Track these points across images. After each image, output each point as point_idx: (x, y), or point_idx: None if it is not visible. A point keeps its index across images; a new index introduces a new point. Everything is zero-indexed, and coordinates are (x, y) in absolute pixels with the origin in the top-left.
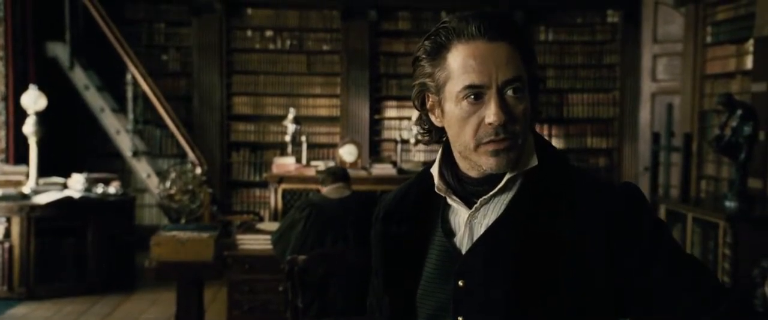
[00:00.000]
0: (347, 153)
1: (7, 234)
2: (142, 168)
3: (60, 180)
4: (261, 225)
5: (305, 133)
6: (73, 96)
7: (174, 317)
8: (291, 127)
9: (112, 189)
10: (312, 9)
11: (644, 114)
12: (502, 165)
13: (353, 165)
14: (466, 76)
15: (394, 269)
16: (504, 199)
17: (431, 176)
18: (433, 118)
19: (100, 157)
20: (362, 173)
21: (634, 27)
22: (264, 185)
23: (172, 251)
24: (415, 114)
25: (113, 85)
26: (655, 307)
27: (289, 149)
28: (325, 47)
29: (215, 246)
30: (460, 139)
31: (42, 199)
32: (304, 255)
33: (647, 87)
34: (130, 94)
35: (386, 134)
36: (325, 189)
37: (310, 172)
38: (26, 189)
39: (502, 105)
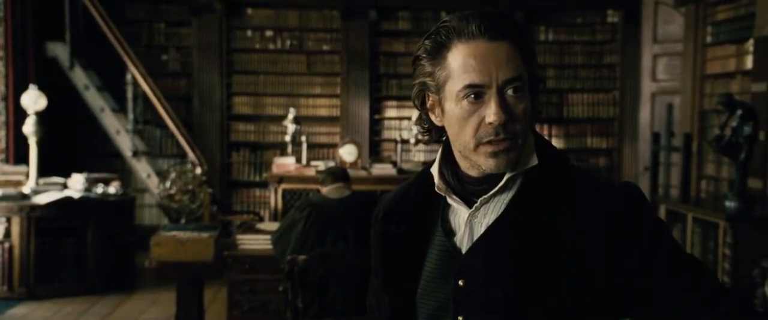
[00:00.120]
0: (347, 153)
1: (7, 234)
2: (142, 168)
3: (60, 180)
4: (261, 225)
5: (305, 133)
6: (73, 96)
7: (174, 317)
8: (291, 127)
9: (112, 189)
10: (312, 9)
11: (644, 114)
12: (502, 164)
13: (353, 165)
14: (466, 75)
15: (394, 269)
16: (504, 199)
17: (431, 176)
18: (433, 118)
19: (100, 157)
20: (362, 173)
21: (634, 27)
22: (264, 185)
23: (172, 251)
24: (415, 114)
25: (113, 85)
26: (655, 307)
27: (289, 149)
28: (325, 47)
29: (215, 246)
30: (460, 138)
31: (42, 199)
32: (304, 255)
33: (647, 87)
34: (130, 94)
35: (386, 134)
36: (325, 189)
37: (310, 172)
38: (26, 189)
39: (503, 104)
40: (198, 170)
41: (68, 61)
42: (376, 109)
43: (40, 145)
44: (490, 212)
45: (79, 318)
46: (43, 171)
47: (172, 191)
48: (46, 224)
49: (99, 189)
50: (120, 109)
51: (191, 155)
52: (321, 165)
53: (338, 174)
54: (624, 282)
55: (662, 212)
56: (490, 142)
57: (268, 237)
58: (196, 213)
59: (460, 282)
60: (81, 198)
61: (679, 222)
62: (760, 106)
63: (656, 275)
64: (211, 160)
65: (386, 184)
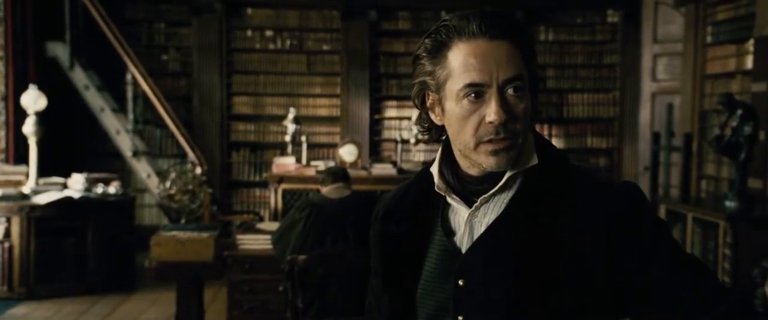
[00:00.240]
0: (347, 153)
1: (7, 234)
2: (142, 168)
3: (60, 180)
4: (261, 225)
5: (305, 133)
6: (73, 96)
7: (174, 317)
8: (291, 127)
9: (112, 189)
10: (312, 9)
11: (644, 114)
12: (502, 163)
13: (353, 165)
14: (466, 74)
15: (394, 269)
16: (504, 198)
17: (431, 175)
18: (433, 117)
19: (100, 157)
20: (362, 173)
21: (634, 27)
22: (264, 185)
23: (172, 251)
24: (415, 113)
25: (113, 85)
26: (655, 307)
27: (289, 149)
28: (325, 47)
29: (215, 246)
30: (461, 137)
31: (42, 199)
32: (304, 255)
33: (647, 87)
34: (130, 94)
35: (386, 134)
36: (325, 189)
37: (310, 172)
38: (26, 189)
39: (503, 103)
40: (198, 170)
41: (68, 61)
42: (376, 109)
43: (40, 145)
44: (490, 211)
45: (79, 318)
46: (43, 171)
47: (172, 191)
48: (46, 224)
49: (99, 189)
50: (120, 109)
51: (191, 155)
52: (321, 165)
53: (338, 174)
54: (624, 282)
55: (662, 212)
56: (490, 141)
57: (268, 237)
58: (196, 213)
59: (460, 282)
60: (81, 198)
61: (679, 222)
62: (760, 106)
63: (656, 275)
64: (211, 160)
65: (386, 184)
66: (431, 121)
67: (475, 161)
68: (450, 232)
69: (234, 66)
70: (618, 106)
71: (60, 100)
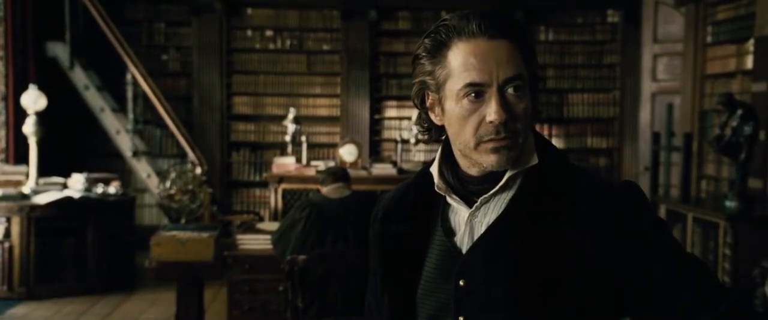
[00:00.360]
0: (347, 153)
1: (7, 234)
2: (142, 168)
3: (60, 180)
4: (261, 225)
5: (305, 133)
6: (73, 96)
7: (174, 317)
8: (291, 127)
9: (112, 189)
10: (312, 9)
11: (644, 114)
12: (502, 162)
13: (353, 165)
14: (466, 73)
15: (393, 269)
16: (504, 198)
17: (431, 175)
18: (432, 117)
19: (100, 157)
20: (362, 173)
21: (634, 27)
22: (264, 185)
23: (172, 251)
24: (415, 113)
25: (113, 85)
26: (655, 307)
27: (289, 149)
28: (325, 47)
29: (215, 246)
30: (461, 137)
31: (42, 199)
32: (304, 255)
33: (647, 87)
34: (130, 94)
35: (386, 134)
36: (325, 189)
37: (310, 172)
38: (26, 189)
39: (503, 103)
40: (198, 170)
41: (68, 61)
42: (376, 108)
43: (40, 145)
44: (490, 211)
45: (79, 318)
46: (43, 171)
47: (172, 191)
48: (46, 224)
49: (99, 189)
50: (120, 109)
51: (191, 155)
52: (321, 165)
53: (338, 174)
54: (624, 282)
55: (662, 212)
56: (491, 140)
57: (268, 237)
58: (196, 213)
59: (461, 282)
60: (81, 198)
61: (680, 222)
62: (760, 106)
63: (656, 275)
64: (211, 160)
65: (386, 184)
66: (431, 121)
67: (475, 161)
68: (450, 232)
69: (234, 66)
70: (618, 106)
71: (60, 100)
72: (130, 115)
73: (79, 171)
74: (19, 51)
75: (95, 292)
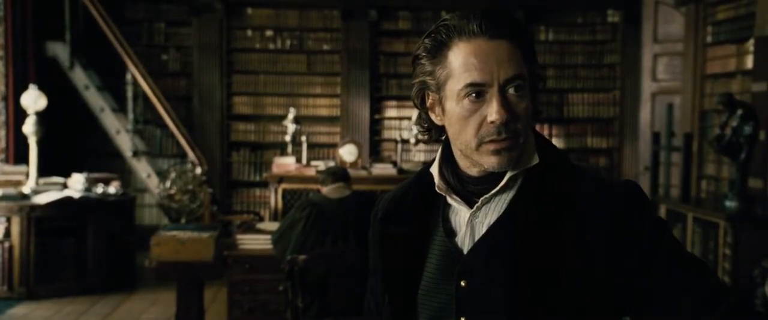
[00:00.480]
0: (347, 153)
1: (7, 234)
2: (142, 168)
3: (60, 180)
4: (261, 225)
5: (305, 133)
6: (73, 96)
7: (174, 317)
8: (291, 127)
9: (112, 189)
10: (312, 9)
11: (644, 114)
12: (503, 163)
13: (353, 165)
14: (467, 74)
15: (394, 269)
16: (505, 198)
17: (431, 175)
18: (433, 117)
19: (100, 157)
20: (362, 173)
21: (634, 27)
22: (264, 185)
23: (172, 251)
24: (415, 113)
25: (113, 85)
26: (655, 307)
27: (289, 149)
28: (325, 47)
29: (215, 246)
30: (461, 137)
31: (42, 199)
32: (304, 255)
33: (647, 87)
34: (130, 94)
35: (386, 134)
36: (326, 189)
37: (310, 172)
38: (26, 189)
39: (504, 103)
40: (198, 170)
41: (68, 61)
42: (376, 108)
43: (40, 145)
44: (491, 212)
45: (79, 318)
46: (43, 171)
47: (172, 191)
48: (46, 224)
49: (99, 189)
50: (120, 109)
51: (191, 155)
52: (321, 165)
53: (338, 174)
54: (624, 282)
55: (662, 212)
56: (492, 141)
57: (268, 237)
58: (196, 213)
59: (462, 283)
60: (81, 198)
61: (680, 222)
62: (760, 106)
63: (656, 274)
64: (211, 160)
65: (386, 184)
66: (431, 121)
67: (476, 161)
68: (451, 233)
69: (234, 66)
70: (618, 105)
71: (60, 100)
72: (130, 115)
73: (79, 171)
74: (19, 51)
75: (95, 292)
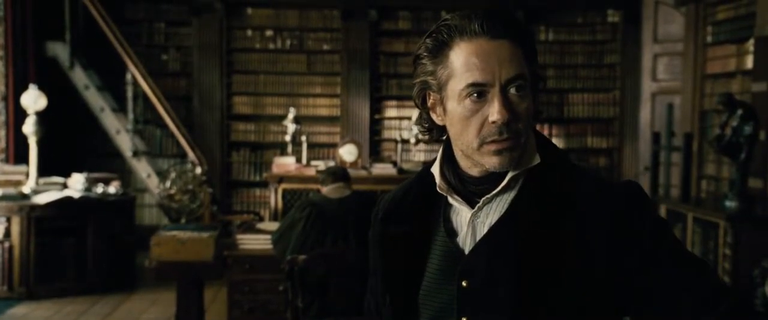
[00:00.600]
0: (347, 153)
1: (7, 234)
2: (142, 168)
3: (60, 180)
4: (261, 225)
5: (305, 133)
6: (73, 96)
7: (174, 317)
8: (291, 127)
9: (112, 189)
10: (312, 9)
11: (644, 114)
12: (505, 163)
13: (353, 165)
14: (469, 74)
15: (395, 270)
16: (506, 198)
17: (432, 175)
18: (434, 117)
19: (100, 157)
20: (362, 173)
21: (634, 27)
22: (264, 185)
23: (172, 251)
24: (415, 113)
25: (113, 85)
26: (655, 307)
27: (289, 149)
28: (325, 47)
29: (215, 246)
30: (463, 137)
31: (42, 199)
32: (304, 255)
33: (647, 87)
34: (130, 94)
35: (386, 134)
36: (326, 189)
37: (310, 172)
38: (26, 189)
39: (506, 103)
40: (198, 170)
41: (68, 61)
42: (376, 108)
43: (40, 145)
44: (492, 212)
45: (79, 318)
46: (43, 171)
47: (172, 191)
48: (46, 224)
49: (99, 189)
50: (120, 108)
51: (191, 155)
52: (321, 165)
53: (338, 174)
54: (624, 282)
55: (663, 212)
56: (494, 141)
57: (268, 237)
58: (196, 213)
59: (464, 283)
60: (81, 198)
61: (680, 222)
62: (760, 106)
63: (656, 275)
64: (211, 160)
65: (386, 184)
66: (432, 121)
67: (477, 161)
68: (452, 233)
69: (234, 66)
70: (618, 105)
71: (60, 100)
72: (130, 115)
73: (79, 171)
74: (19, 51)
75: (95, 292)
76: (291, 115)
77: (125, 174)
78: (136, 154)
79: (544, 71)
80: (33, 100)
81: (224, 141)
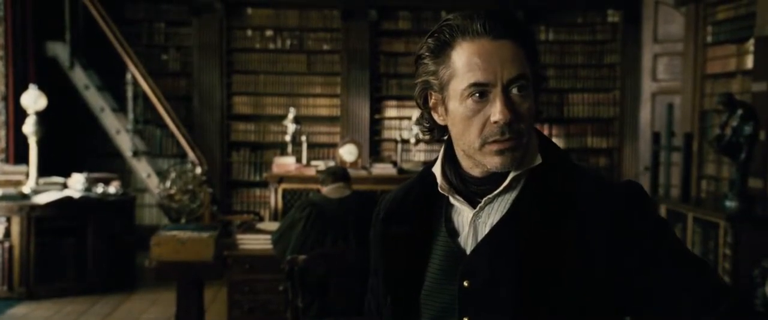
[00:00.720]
0: (347, 153)
1: (7, 234)
2: (142, 168)
3: (60, 180)
4: (261, 225)
5: (305, 133)
6: (73, 96)
7: (174, 317)
8: (291, 127)
9: (112, 189)
10: (312, 9)
11: (644, 114)
12: (507, 163)
13: (353, 165)
14: (471, 73)
15: (396, 270)
16: (508, 198)
17: (433, 175)
18: (435, 117)
19: (100, 157)
20: (362, 173)
21: (634, 27)
22: (264, 185)
23: (172, 251)
24: (415, 113)
25: (113, 85)
26: (655, 306)
27: (289, 149)
28: (325, 47)
29: (215, 246)
30: (465, 137)
31: (42, 199)
32: (304, 255)
33: (647, 87)
34: (130, 94)
35: (386, 134)
36: (326, 189)
37: (310, 172)
38: (26, 189)
39: (508, 103)
40: (198, 170)
41: (68, 61)
42: (376, 108)
43: (40, 145)
44: (494, 212)
45: (79, 318)
46: (43, 171)
47: (172, 191)
48: (46, 224)
49: (99, 189)
50: (120, 108)
51: (191, 155)
52: (321, 165)
53: (338, 174)
54: (624, 282)
55: (663, 212)
56: (495, 141)
57: (268, 237)
58: (196, 213)
59: (465, 283)
60: (81, 198)
61: (680, 222)
62: (760, 106)
63: (657, 274)
64: (211, 160)
65: (386, 184)
66: (433, 121)
67: (479, 161)
68: (454, 233)
69: (234, 66)
70: (618, 105)
71: (60, 100)
72: (130, 115)
73: (79, 171)
74: (19, 51)
75: (95, 292)
76: (291, 115)
77: (125, 174)
78: (136, 154)
79: (544, 71)
80: (33, 100)
81: (224, 141)
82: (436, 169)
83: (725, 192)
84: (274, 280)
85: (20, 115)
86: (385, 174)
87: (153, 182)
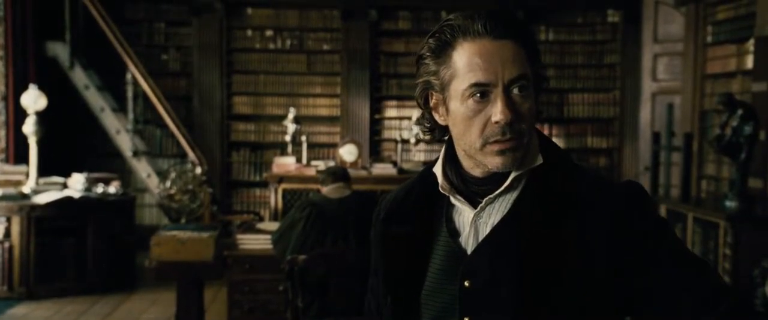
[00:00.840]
0: (347, 153)
1: (7, 234)
2: (142, 168)
3: (60, 180)
4: (261, 225)
5: (305, 133)
6: (73, 96)
7: (174, 317)
8: (291, 127)
9: (112, 189)
10: (312, 9)
11: (645, 114)
12: (508, 164)
13: (353, 165)
14: (472, 74)
15: (397, 270)
16: (509, 198)
17: (434, 175)
18: (436, 117)
19: (100, 157)
20: (362, 173)
21: (634, 27)
22: (264, 185)
23: (172, 251)
24: (415, 113)
25: (113, 85)
26: (656, 306)
27: (289, 149)
28: (325, 47)
29: (215, 246)
30: (466, 137)
31: (42, 199)
32: (304, 255)
33: (648, 87)
34: (130, 94)
35: (386, 134)
36: (326, 189)
37: (310, 172)
38: (26, 189)
39: (509, 103)
40: (198, 170)
41: (68, 61)
42: (376, 108)
43: (40, 145)
44: (495, 212)
45: (79, 318)
46: (43, 171)
47: (172, 191)
48: (46, 224)
49: (99, 189)
50: (120, 108)
51: (191, 155)
52: (321, 165)
53: (338, 174)
54: (625, 282)
55: (663, 212)
56: (497, 142)
57: (268, 237)
58: (196, 213)
59: (466, 283)
60: (81, 198)
61: (680, 222)
62: (760, 106)
63: (657, 274)
64: (211, 160)
65: (386, 184)
66: (434, 121)
67: (480, 161)
68: (455, 233)
69: (234, 66)
70: (618, 105)
71: (60, 100)
72: (130, 115)
73: (79, 171)
74: (19, 51)
75: (95, 292)
76: (291, 115)
77: (125, 174)
78: (136, 154)
79: (545, 71)
80: (33, 100)
81: (224, 141)
82: (437, 169)
83: (725, 192)
84: (274, 280)
85: (20, 114)
86: (385, 175)
87: (153, 182)
